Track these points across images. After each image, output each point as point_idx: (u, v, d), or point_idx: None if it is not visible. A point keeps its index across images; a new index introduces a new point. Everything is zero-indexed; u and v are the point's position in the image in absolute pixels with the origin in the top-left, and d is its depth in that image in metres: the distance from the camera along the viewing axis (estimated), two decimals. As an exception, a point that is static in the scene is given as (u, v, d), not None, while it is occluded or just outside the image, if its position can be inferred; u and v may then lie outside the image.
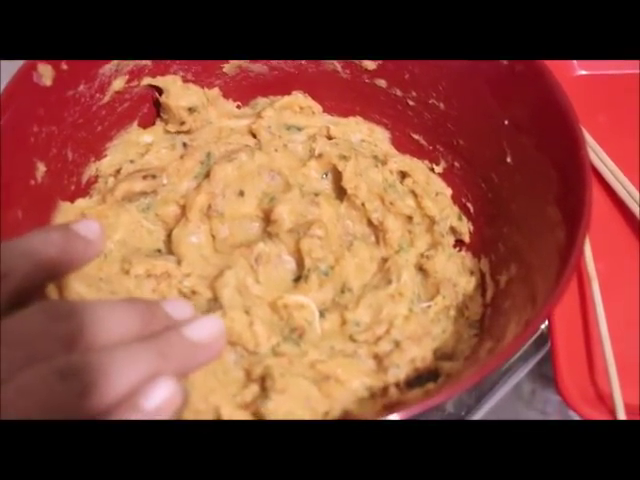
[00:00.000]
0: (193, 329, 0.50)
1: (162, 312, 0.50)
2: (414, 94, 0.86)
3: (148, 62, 0.82)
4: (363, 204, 0.82)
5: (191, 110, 0.85)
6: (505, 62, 0.76)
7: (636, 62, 0.99)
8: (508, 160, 0.78)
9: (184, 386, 0.47)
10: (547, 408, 0.88)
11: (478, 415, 0.84)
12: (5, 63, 0.73)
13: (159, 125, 0.87)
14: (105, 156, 0.83)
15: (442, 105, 0.84)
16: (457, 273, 0.80)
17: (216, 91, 0.89)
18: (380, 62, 0.85)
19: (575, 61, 1.00)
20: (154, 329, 0.49)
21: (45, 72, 0.72)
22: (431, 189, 0.86)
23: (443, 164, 0.87)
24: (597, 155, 0.90)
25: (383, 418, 0.55)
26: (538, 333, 0.81)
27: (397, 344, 0.73)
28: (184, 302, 0.53)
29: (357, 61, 0.85)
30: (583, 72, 1.01)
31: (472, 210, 0.85)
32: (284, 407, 0.66)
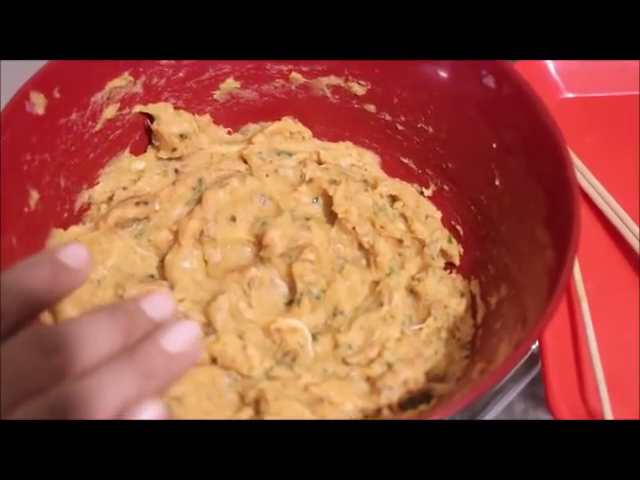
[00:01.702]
0: (170, 340, 0.50)
1: (143, 318, 0.51)
2: (403, 118, 0.86)
3: (139, 89, 0.83)
4: (354, 228, 0.82)
5: (182, 136, 0.86)
6: (492, 85, 0.77)
7: (621, 85, 1.00)
8: (497, 183, 0.79)
9: (167, 406, 0.49)
10: (539, 428, 0.88)
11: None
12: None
13: (151, 152, 0.88)
14: (97, 183, 0.84)
15: (431, 129, 0.85)
16: (448, 295, 0.81)
17: (207, 117, 0.89)
18: (369, 87, 0.86)
19: (562, 84, 1.01)
20: (137, 337, 0.49)
21: (37, 100, 0.72)
22: (421, 212, 0.86)
23: (432, 187, 0.88)
24: (584, 177, 0.91)
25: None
26: (529, 354, 0.81)
27: (389, 366, 0.74)
28: (163, 296, 0.53)
29: (346, 86, 0.86)
30: (569, 95, 1.02)
31: (462, 232, 0.86)
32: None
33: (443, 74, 0.80)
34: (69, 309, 0.71)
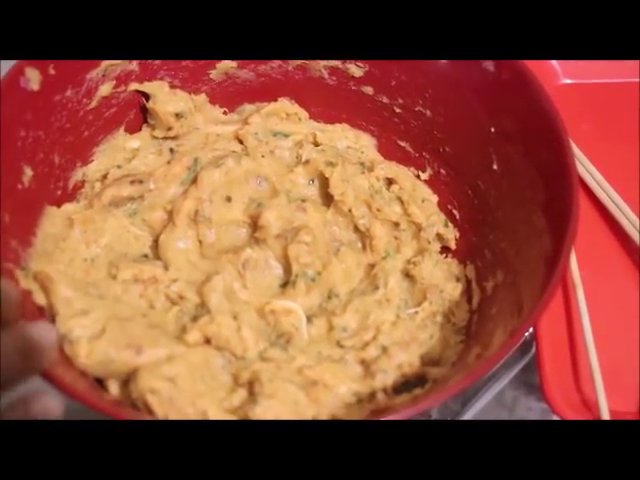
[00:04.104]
0: None
1: None
2: (400, 101, 0.86)
3: (135, 67, 0.82)
4: (350, 210, 0.82)
5: (178, 116, 0.85)
6: (492, 70, 0.76)
7: (619, 71, 1.00)
8: (494, 167, 0.79)
9: None
10: (529, 415, 0.88)
11: (462, 422, 0.84)
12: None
13: (146, 130, 0.87)
14: (92, 161, 0.83)
15: (428, 112, 0.85)
16: (443, 279, 0.81)
17: (203, 97, 0.89)
18: (367, 69, 0.85)
19: (559, 69, 1.01)
20: None
21: (33, 76, 0.71)
22: (417, 196, 0.86)
23: (429, 171, 0.88)
24: (581, 164, 0.91)
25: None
26: (522, 340, 0.81)
27: (384, 350, 0.74)
28: None
29: (343, 68, 0.86)
30: (567, 81, 1.01)
31: (458, 217, 0.86)
32: (272, 412, 0.66)
33: (442, 57, 0.80)
34: (63, 289, 0.70)
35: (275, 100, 0.91)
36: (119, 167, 0.84)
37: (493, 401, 0.87)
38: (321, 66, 0.87)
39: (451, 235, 0.85)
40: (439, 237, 0.85)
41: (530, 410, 0.89)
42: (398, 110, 0.87)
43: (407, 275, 0.81)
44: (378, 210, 0.82)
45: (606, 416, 0.74)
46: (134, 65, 0.82)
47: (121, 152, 0.85)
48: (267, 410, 0.66)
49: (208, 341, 0.71)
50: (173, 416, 0.64)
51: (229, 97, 0.91)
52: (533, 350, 0.80)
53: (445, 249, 0.85)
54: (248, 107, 0.92)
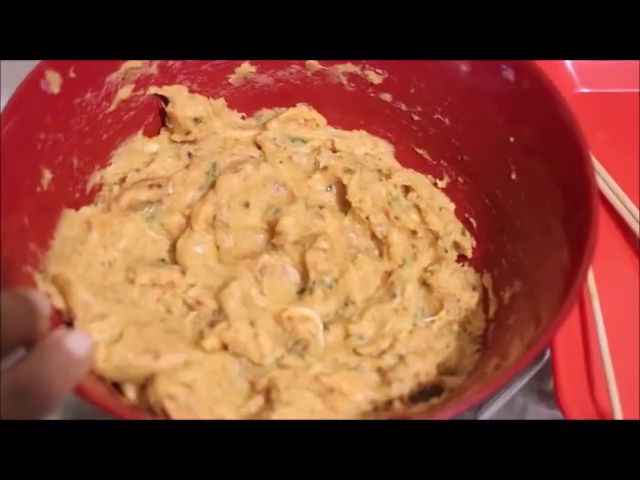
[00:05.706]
0: None
1: None
2: (419, 109, 0.86)
3: (155, 71, 0.82)
4: (367, 217, 0.82)
5: (197, 120, 0.85)
6: (512, 79, 0.76)
7: (637, 81, 1.00)
8: (513, 177, 0.78)
9: None
10: (540, 423, 0.88)
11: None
12: (12, 69, 0.74)
13: (164, 134, 0.87)
14: (110, 164, 0.83)
15: (447, 120, 0.85)
16: (460, 288, 0.80)
17: (221, 101, 0.89)
18: (385, 76, 0.85)
19: (577, 78, 1.01)
20: None
21: (53, 79, 0.72)
22: (435, 204, 0.86)
23: (447, 179, 0.88)
24: (598, 173, 0.91)
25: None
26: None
27: (401, 358, 0.74)
28: None
29: (362, 75, 0.86)
30: (585, 90, 1.01)
31: (475, 225, 0.86)
32: (289, 419, 0.66)
33: (462, 65, 0.80)
34: (82, 292, 0.70)
35: (293, 106, 0.91)
36: (137, 171, 0.84)
37: (502, 408, 0.87)
38: (340, 72, 0.87)
39: (468, 244, 0.85)
40: (456, 245, 0.85)
41: (540, 417, 0.89)
42: (416, 117, 0.87)
43: (424, 283, 0.81)
44: (396, 218, 0.82)
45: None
46: (153, 69, 0.82)
47: (139, 156, 0.85)
48: (284, 417, 0.66)
49: (225, 347, 0.71)
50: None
51: (247, 102, 0.91)
52: (545, 357, 0.81)
53: (462, 257, 0.85)
54: (266, 112, 0.92)
